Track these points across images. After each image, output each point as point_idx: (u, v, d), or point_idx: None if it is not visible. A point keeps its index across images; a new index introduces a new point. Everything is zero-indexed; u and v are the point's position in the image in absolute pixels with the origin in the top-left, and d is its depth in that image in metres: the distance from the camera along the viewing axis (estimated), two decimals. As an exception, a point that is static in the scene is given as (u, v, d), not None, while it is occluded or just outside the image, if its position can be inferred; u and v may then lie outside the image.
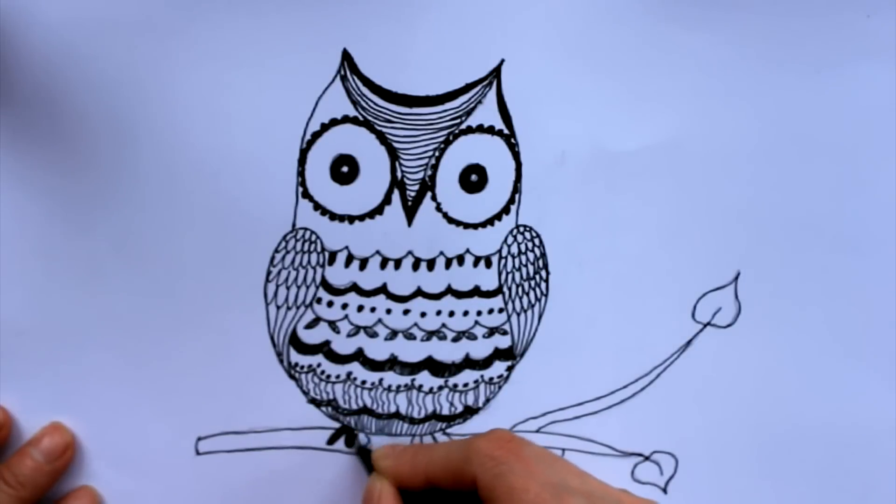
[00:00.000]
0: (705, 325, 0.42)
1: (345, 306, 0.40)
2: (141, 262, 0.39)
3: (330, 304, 0.40)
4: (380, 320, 0.40)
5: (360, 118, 0.38)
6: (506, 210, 0.40)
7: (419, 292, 0.40)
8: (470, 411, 0.42)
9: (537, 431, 0.43)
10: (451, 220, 0.39)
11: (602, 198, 0.40)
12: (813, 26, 0.39)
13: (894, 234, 0.42)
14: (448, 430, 0.42)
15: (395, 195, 0.39)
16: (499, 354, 0.42)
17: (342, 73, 0.37)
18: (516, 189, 0.40)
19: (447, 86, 0.38)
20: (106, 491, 0.41)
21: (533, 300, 0.41)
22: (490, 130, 0.39)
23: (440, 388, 0.42)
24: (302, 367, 0.41)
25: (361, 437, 0.42)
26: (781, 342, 0.43)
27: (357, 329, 0.40)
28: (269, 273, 0.39)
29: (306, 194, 0.39)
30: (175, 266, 0.39)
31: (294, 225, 0.39)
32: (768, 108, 0.40)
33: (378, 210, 0.39)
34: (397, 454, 0.40)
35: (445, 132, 0.38)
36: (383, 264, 0.40)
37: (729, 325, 0.43)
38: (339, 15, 0.37)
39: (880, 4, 0.39)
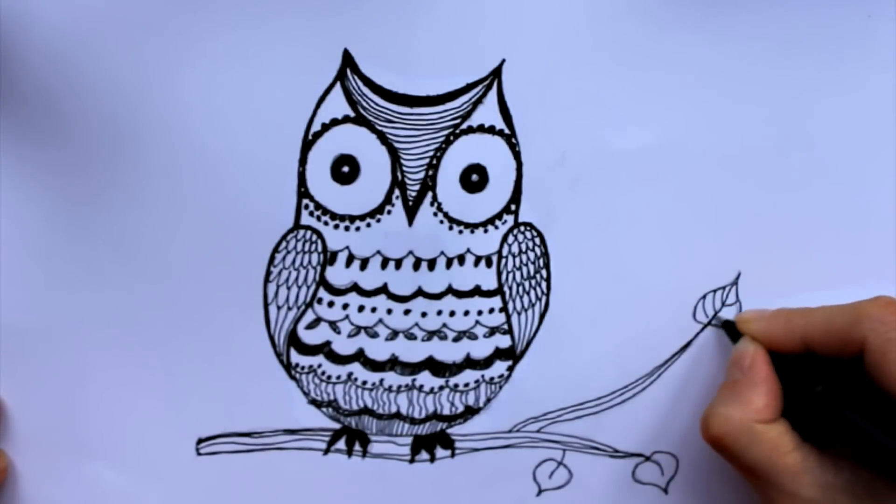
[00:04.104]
0: (705, 326, 0.42)
1: (345, 306, 0.40)
2: (141, 262, 0.39)
3: (330, 304, 0.40)
4: (380, 320, 0.40)
5: (361, 118, 0.38)
6: (506, 210, 0.40)
7: (420, 292, 0.40)
8: (471, 411, 0.42)
9: (538, 431, 0.43)
10: (451, 220, 0.39)
11: (602, 198, 0.40)
12: (813, 26, 0.39)
13: (894, 233, 0.42)
14: (449, 430, 0.42)
15: (396, 195, 0.39)
16: (499, 354, 0.42)
17: (343, 73, 0.37)
18: (517, 189, 0.40)
19: (448, 86, 0.38)
20: (106, 491, 0.41)
21: (533, 299, 0.41)
22: (491, 130, 0.39)
23: (441, 388, 0.42)
24: (302, 368, 0.41)
25: (725, 313, 0.41)
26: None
27: (358, 329, 0.40)
28: (269, 273, 0.39)
29: (307, 194, 0.39)
30: (175, 266, 0.39)
31: (294, 225, 0.39)
32: (768, 107, 0.40)
33: (379, 210, 0.39)
34: (769, 317, 0.39)
35: (446, 132, 0.38)
36: (384, 264, 0.40)
37: (729, 326, 0.43)
38: (340, 15, 0.37)
39: (881, 4, 0.39)
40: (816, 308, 0.38)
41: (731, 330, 0.41)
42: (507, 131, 0.39)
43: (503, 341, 0.41)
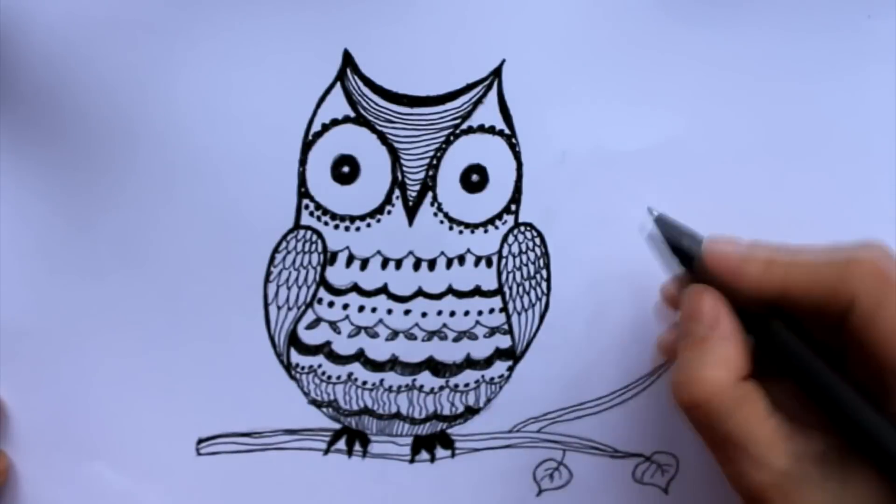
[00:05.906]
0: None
1: (345, 307, 0.40)
2: (141, 263, 0.39)
3: (331, 304, 0.40)
4: (381, 321, 0.40)
5: (361, 118, 0.38)
6: (507, 210, 0.40)
7: (420, 292, 0.40)
8: (471, 411, 0.42)
9: (538, 431, 0.43)
10: (452, 220, 0.39)
11: (602, 198, 0.40)
12: (813, 26, 0.39)
13: (894, 234, 0.42)
14: (449, 430, 0.42)
15: (396, 195, 0.39)
16: (499, 354, 0.42)
17: (343, 73, 0.37)
18: (517, 189, 0.40)
19: (448, 86, 0.38)
20: (106, 491, 0.41)
21: (533, 300, 0.41)
22: (491, 130, 0.39)
23: (441, 388, 0.42)
24: (302, 368, 0.41)
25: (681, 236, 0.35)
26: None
27: (358, 329, 0.40)
28: (269, 273, 0.39)
29: (307, 194, 0.39)
30: (176, 266, 0.39)
31: (295, 225, 0.39)
32: (768, 108, 0.40)
33: (379, 210, 0.39)
34: (743, 258, 0.33)
35: (446, 132, 0.38)
36: (384, 264, 0.40)
37: (729, 325, 0.43)
38: (340, 15, 0.37)
39: (881, 5, 0.39)
40: (798, 255, 0.33)
41: (682, 253, 0.34)
42: (507, 131, 0.39)
43: (503, 341, 0.41)
